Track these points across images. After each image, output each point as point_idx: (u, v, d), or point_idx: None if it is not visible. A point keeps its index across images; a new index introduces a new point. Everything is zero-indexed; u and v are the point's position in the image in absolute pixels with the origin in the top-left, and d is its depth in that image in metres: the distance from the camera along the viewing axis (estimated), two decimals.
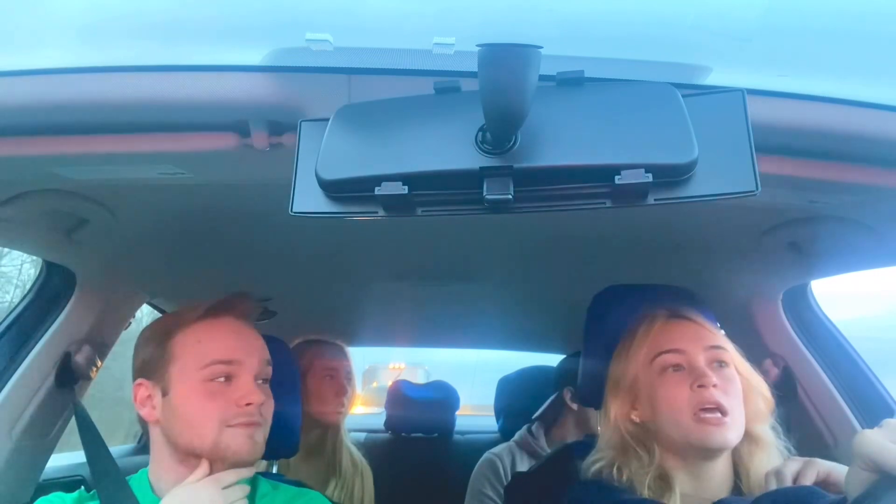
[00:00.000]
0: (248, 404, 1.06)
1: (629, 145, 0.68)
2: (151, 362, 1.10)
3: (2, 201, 1.07)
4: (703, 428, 1.00)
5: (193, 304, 1.14)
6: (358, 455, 2.00)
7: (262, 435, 1.08)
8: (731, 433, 1.00)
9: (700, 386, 1.02)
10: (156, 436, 1.11)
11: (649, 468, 1.04)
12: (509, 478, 1.97)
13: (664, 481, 1.03)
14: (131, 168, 0.96)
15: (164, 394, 1.08)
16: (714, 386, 1.01)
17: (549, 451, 1.97)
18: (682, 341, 1.07)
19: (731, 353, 1.09)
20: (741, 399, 1.04)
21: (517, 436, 2.12)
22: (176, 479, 1.06)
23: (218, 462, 1.06)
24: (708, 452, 1.03)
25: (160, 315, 1.23)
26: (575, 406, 1.99)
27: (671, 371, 1.06)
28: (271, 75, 0.80)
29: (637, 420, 1.09)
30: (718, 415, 1.00)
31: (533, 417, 2.11)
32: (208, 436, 1.04)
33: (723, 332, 1.12)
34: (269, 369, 1.13)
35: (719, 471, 1.05)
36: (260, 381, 1.11)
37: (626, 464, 1.06)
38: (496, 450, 2.10)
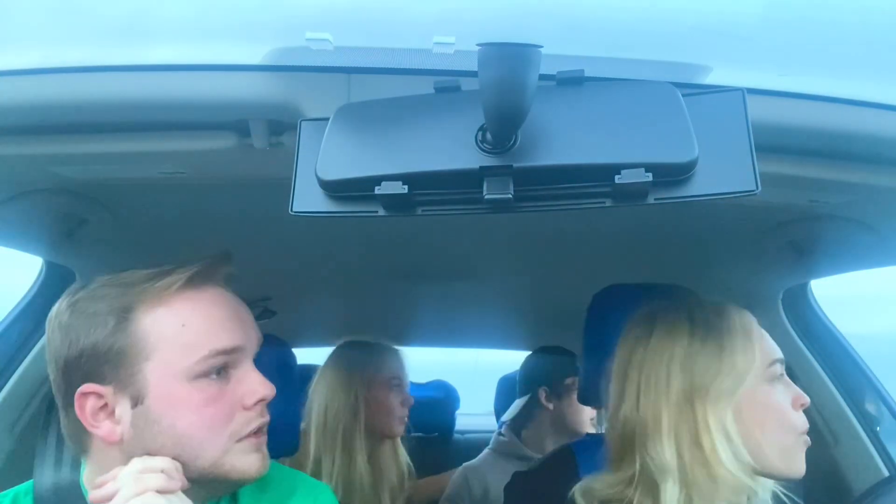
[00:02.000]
0: (259, 401, 0.81)
1: (629, 145, 0.68)
2: (108, 357, 0.77)
3: (2, 201, 1.07)
4: (802, 456, 0.93)
5: (152, 269, 0.86)
6: (407, 459, 1.94)
7: (265, 446, 0.84)
8: None
9: (801, 405, 0.94)
10: (112, 457, 0.79)
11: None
12: (476, 495, 1.97)
13: None
14: (131, 168, 0.96)
15: (136, 403, 0.78)
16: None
17: (526, 451, 1.97)
18: (779, 349, 0.98)
19: None
20: None
21: (491, 443, 2.12)
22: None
23: (211, 486, 0.81)
24: (789, 480, 0.95)
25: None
26: (551, 405, 1.99)
27: (777, 381, 0.95)
28: (271, 75, 0.80)
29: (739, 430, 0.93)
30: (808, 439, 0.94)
31: (503, 420, 2.12)
32: (210, 454, 0.78)
33: None
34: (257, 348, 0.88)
35: None
36: None
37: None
38: (470, 464, 2.08)
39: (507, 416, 2.11)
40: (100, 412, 0.79)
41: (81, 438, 0.82)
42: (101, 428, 0.78)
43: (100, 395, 0.78)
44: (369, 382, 1.80)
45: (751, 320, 0.99)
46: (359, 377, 1.80)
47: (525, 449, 2.00)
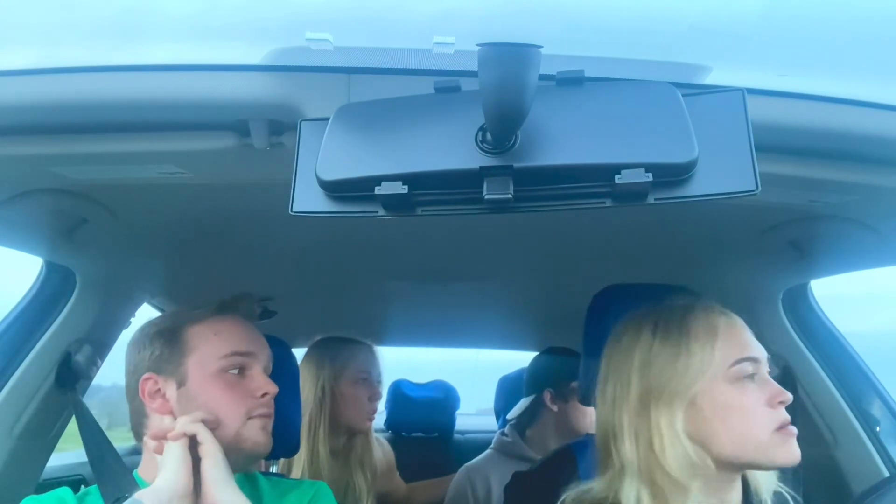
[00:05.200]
0: (264, 394, 1.09)
1: (629, 145, 0.68)
2: (162, 356, 1.10)
3: (2, 201, 1.07)
4: (788, 447, 0.93)
5: (192, 306, 1.16)
6: (386, 445, 1.99)
7: (270, 428, 1.11)
8: None
9: (780, 402, 0.94)
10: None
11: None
12: (479, 494, 1.97)
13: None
14: (131, 168, 0.96)
15: (180, 385, 1.08)
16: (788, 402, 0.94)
17: (529, 452, 1.97)
18: (754, 347, 0.97)
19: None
20: None
21: (494, 443, 2.11)
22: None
23: (232, 453, 1.05)
24: (778, 468, 0.98)
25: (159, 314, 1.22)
26: (555, 407, 1.99)
27: (745, 381, 0.95)
28: (271, 75, 0.80)
29: (687, 429, 0.96)
30: (794, 429, 0.94)
31: (507, 418, 2.11)
32: (231, 426, 1.06)
33: None
34: (271, 366, 1.17)
35: (735, 485, 1.01)
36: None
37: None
38: (472, 464, 2.07)
39: (511, 416, 2.10)
40: (155, 393, 1.09)
41: (142, 421, 1.11)
42: (155, 403, 1.09)
43: (155, 381, 1.10)
44: (337, 376, 1.86)
45: (716, 320, 0.99)
46: (328, 370, 1.86)
47: (528, 450, 1.99)
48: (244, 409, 1.08)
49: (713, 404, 0.95)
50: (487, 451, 2.10)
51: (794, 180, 0.93)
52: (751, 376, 0.96)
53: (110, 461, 1.15)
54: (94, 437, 1.23)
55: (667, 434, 0.95)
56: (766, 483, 1.02)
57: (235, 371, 1.10)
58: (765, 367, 0.98)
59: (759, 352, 0.98)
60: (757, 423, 0.94)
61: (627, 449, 0.98)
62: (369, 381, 1.90)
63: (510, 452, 2.02)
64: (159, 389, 1.09)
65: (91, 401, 1.52)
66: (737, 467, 0.98)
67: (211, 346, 1.10)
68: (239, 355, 1.11)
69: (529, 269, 1.68)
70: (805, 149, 0.89)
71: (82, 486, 1.14)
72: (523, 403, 2.07)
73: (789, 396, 0.94)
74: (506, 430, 2.09)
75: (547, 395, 2.01)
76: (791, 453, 0.94)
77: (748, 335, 1.00)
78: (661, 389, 0.97)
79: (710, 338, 0.97)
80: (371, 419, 1.90)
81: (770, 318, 1.58)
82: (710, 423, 0.95)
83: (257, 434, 1.08)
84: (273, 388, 1.11)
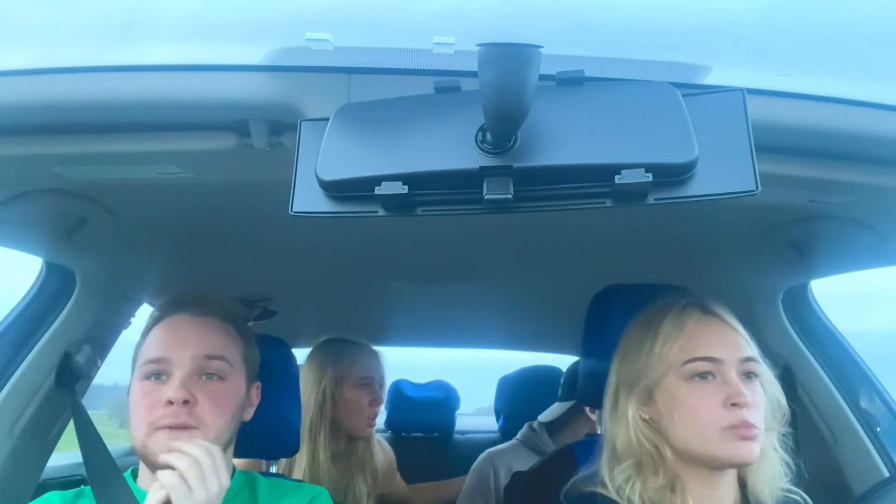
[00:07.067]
0: (168, 402, 1.00)
1: (629, 145, 0.68)
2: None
3: (2, 201, 1.07)
4: (735, 445, 0.96)
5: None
6: (386, 447, 2.00)
7: (186, 440, 0.99)
8: (758, 447, 0.97)
9: (734, 404, 0.96)
10: None
11: (664, 480, 1.00)
12: (502, 482, 1.96)
13: (676, 492, 1.00)
14: (131, 168, 0.96)
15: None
16: (747, 405, 0.96)
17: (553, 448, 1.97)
18: (717, 348, 1.00)
19: (761, 363, 1.03)
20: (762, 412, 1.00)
21: (520, 434, 2.12)
22: (144, 475, 1.07)
23: (151, 467, 1.01)
24: (731, 466, 1.00)
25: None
26: (595, 417, 1.96)
27: (698, 379, 0.99)
28: (271, 75, 0.80)
29: (646, 417, 1.03)
30: (754, 430, 0.96)
31: (540, 420, 2.10)
32: (138, 437, 1.01)
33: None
34: (218, 364, 1.06)
35: (727, 481, 1.03)
36: (203, 378, 1.04)
37: (642, 478, 1.01)
38: (496, 450, 2.08)
39: (544, 418, 2.09)
40: None
41: None
42: None
43: None
44: (339, 379, 1.85)
45: (686, 319, 1.03)
46: (330, 373, 1.85)
47: (553, 448, 1.98)
48: (149, 419, 1.00)
49: (667, 398, 1.02)
50: (512, 441, 2.11)
51: (794, 180, 0.93)
52: (704, 375, 1.00)
53: (104, 464, 1.14)
54: (90, 439, 1.22)
55: (625, 420, 1.04)
56: (767, 485, 1.02)
57: (156, 378, 1.04)
58: (731, 368, 0.99)
59: (727, 352, 1.00)
60: (705, 419, 0.98)
61: (608, 428, 1.08)
62: (371, 385, 1.89)
63: (535, 447, 2.02)
64: None
65: (100, 400, 1.52)
66: (695, 460, 1.00)
67: (140, 353, 1.08)
68: (151, 363, 1.04)
69: (530, 269, 1.68)
70: (805, 149, 0.89)
71: (81, 486, 1.14)
72: (558, 408, 2.05)
73: (745, 399, 0.96)
74: (534, 424, 2.08)
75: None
76: (739, 453, 0.96)
77: (719, 335, 1.02)
78: (627, 379, 1.06)
79: (674, 336, 1.02)
80: (372, 424, 1.89)
81: (770, 318, 1.58)
82: (665, 416, 1.02)
83: (161, 447, 0.98)
84: (177, 395, 1.00)
